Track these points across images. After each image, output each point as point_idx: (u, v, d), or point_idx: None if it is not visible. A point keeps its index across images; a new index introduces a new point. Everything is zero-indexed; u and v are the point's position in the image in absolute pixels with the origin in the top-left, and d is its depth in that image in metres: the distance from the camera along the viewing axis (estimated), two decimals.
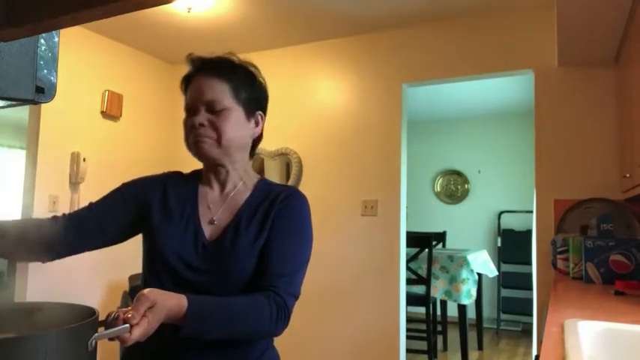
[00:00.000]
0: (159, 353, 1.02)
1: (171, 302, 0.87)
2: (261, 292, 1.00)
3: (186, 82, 1.14)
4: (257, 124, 1.16)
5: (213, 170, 1.14)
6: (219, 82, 1.08)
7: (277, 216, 1.09)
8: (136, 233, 1.14)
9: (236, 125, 1.09)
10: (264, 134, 1.21)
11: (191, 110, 1.09)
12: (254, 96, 1.14)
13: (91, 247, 1.10)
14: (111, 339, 0.77)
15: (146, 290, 0.85)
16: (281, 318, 0.99)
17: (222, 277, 1.04)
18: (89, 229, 1.09)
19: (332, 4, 2.99)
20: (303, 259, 1.10)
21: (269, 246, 1.06)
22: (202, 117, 1.07)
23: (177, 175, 1.20)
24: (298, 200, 1.13)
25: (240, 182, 1.15)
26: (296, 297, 1.05)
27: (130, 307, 0.81)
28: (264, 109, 1.18)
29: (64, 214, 1.09)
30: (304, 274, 1.09)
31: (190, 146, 1.10)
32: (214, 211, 1.12)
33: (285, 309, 1.00)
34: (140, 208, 1.12)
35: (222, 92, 1.08)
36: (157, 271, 1.08)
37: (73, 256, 1.06)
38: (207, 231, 1.09)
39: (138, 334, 0.79)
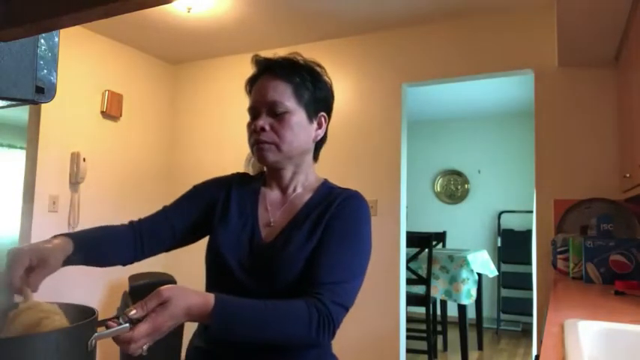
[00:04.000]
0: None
1: (192, 300, 0.83)
2: (304, 297, 0.94)
3: (251, 83, 1.13)
4: (320, 125, 1.14)
5: (274, 173, 1.14)
6: (281, 82, 1.07)
7: (331, 219, 1.05)
8: (207, 233, 1.15)
9: (297, 129, 1.07)
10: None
11: (254, 113, 1.09)
12: (317, 96, 1.12)
13: (164, 249, 1.15)
14: (115, 340, 0.76)
15: (164, 287, 0.82)
16: (323, 327, 0.92)
17: (270, 279, 1.02)
18: (162, 233, 1.13)
19: (332, 4, 2.99)
20: (357, 268, 1.04)
21: (318, 251, 1.02)
22: (263, 120, 1.06)
23: (244, 176, 1.21)
24: (356, 204, 1.09)
25: (302, 186, 1.15)
26: (346, 307, 0.98)
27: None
28: (328, 110, 1.17)
29: (139, 220, 1.14)
30: (360, 285, 1.04)
31: (252, 149, 1.09)
32: (272, 213, 1.11)
33: (330, 318, 0.93)
34: (207, 209, 1.14)
35: (283, 93, 1.06)
36: (214, 270, 1.09)
37: None
38: (264, 233, 1.09)
39: (141, 330, 0.76)
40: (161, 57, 3.99)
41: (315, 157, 1.19)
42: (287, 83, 1.07)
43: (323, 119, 1.15)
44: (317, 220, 1.06)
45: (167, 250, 1.15)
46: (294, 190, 1.14)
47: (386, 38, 3.34)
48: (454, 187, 5.86)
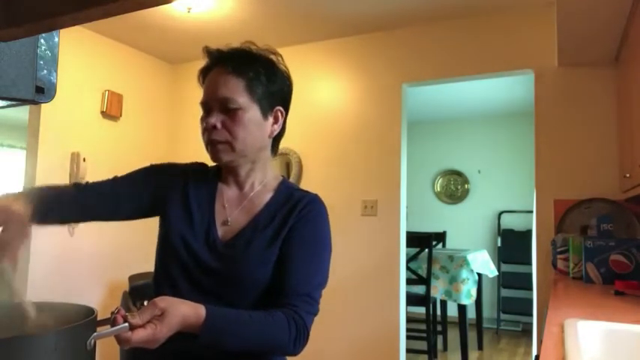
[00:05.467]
0: None
1: (186, 311, 0.85)
2: (282, 309, 0.97)
3: (203, 75, 1.10)
4: (276, 120, 1.10)
5: (230, 170, 1.11)
6: (234, 77, 1.03)
7: (296, 226, 1.05)
8: (152, 215, 1.13)
9: (250, 126, 1.04)
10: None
11: (205, 109, 1.06)
12: (273, 90, 1.07)
13: (103, 219, 1.10)
14: (117, 340, 0.77)
15: (159, 298, 0.84)
16: (300, 338, 0.96)
17: (233, 280, 1.02)
18: (106, 200, 1.09)
19: (332, 4, 2.99)
20: (324, 275, 1.06)
21: (289, 261, 1.03)
22: (215, 118, 1.03)
23: (201, 168, 1.17)
24: (318, 210, 1.09)
25: (260, 183, 1.12)
26: (316, 314, 1.02)
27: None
28: (284, 103, 1.12)
29: (86, 183, 1.09)
30: (323, 288, 1.06)
31: (206, 148, 1.07)
32: (229, 211, 1.09)
33: (305, 329, 0.97)
34: (160, 193, 1.11)
35: (235, 89, 1.02)
36: (167, 265, 1.07)
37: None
38: (220, 231, 1.07)
39: (141, 336, 0.78)
40: (161, 57, 3.98)
41: (274, 152, 1.15)
42: (239, 78, 1.03)
43: (279, 113, 1.11)
44: (280, 225, 1.05)
45: (105, 220, 1.10)
46: (252, 187, 1.11)
47: (386, 38, 3.34)
48: (454, 187, 5.86)
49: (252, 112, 1.04)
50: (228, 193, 1.12)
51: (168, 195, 1.10)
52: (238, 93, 1.03)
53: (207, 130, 1.04)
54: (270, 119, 1.09)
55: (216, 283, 1.02)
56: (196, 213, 1.08)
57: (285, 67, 1.12)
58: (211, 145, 1.04)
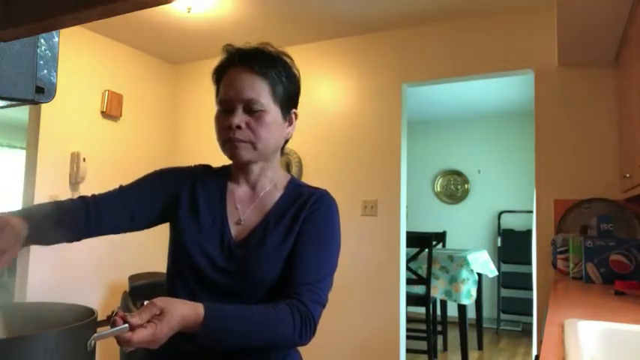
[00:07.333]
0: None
1: (185, 310, 0.84)
2: (286, 300, 0.96)
3: (220, 72, 1.09)
4: (290, 123, 1.12)
5: (243, 170, 1.11)
6: (259, 79, 1.03)
7: (305, 221, 1.06)
8: (163, 222, 1.12)
9: (273, 128, 1.05)
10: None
11: (226, 107, 1.05)
12: (290, 92, 1.10)
13: (117, 230, 1.08)
14: (118, 341, 0.77)
15: (157, 298, 0.83)
16: (306, 327, 0.94)
17: (247, 280, 1.02)
18: (118, 213, 1.07)
19: (332, 4, 2.99)
20: (331, 266, 1.06)
21: (295, 252, 1.03)
22: (239, 118, 1.02)
23: (207, 169, 1.17)
24: (327, 205, 1.10)
25: (270, 183, 1.12)
26: (323, 305, 1.01)
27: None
28: (297, 106, 1.14)
29: (93, 195, 1.07)
30: (332, 281, 1.06)
31: (223, 145, 1.06)
32: (242, 211, 1.09)
33: (311, 318, 0.96)
34: (169, 198, 1.10)
35: (261, 91, 1.03)
36: (180, 268, 1.06)
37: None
38: (234, 231, 1.07)
39: (142, 336, 0.77)
40: (161, 57, 3.98)
41: (282, 152, 1.17)
42: (264, 80, 1.04)
43: (294, 116, 1.13)
44: (291, 222, 1.06)
45: (118, 232, 1.08)
46: (263, 186, 1.12)
47: (386, 38, 3.34)
48: (454, 187, 5.86)
49: (273, 114, 1.06)
50: (238, 192, 1.12)
51: (177, 198, 1.10)
52: (263, 95, 1.04)
53: (231, 129, 1.03)
54: (287, 122, 1.11)
55: (229, 282, 1.02)
56: (207, 214, 1.08)
57: (297, 70, 1.13)
58: (231, 142, 1.03)
